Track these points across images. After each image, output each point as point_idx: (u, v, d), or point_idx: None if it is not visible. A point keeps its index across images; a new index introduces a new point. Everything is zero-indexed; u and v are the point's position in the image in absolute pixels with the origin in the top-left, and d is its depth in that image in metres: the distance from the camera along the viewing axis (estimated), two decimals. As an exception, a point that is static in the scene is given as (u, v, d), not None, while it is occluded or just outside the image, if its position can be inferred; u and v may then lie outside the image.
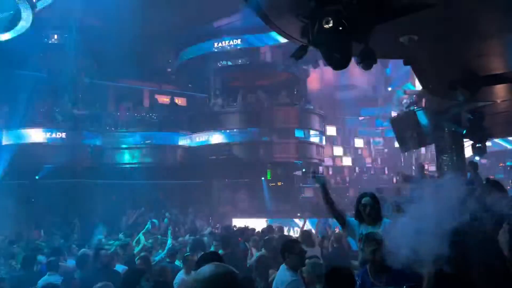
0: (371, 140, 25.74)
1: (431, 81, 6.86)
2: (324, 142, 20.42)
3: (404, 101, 13.30)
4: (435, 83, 6.86)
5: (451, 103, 7.71)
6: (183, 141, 18.67)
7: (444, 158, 8.91)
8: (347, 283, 3.04)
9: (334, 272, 3.17)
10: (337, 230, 8.29)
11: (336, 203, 4.64)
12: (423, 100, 9.29)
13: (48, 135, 16.48)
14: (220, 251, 6.65)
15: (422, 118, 9.03)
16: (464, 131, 8.19)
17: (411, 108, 10.12)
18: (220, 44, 19.69)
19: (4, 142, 16.04)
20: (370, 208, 4.25)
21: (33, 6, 13.67)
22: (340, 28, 3.50)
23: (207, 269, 1.83)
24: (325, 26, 3.54)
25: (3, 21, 15.17)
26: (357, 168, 24.69)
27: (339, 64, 3.73)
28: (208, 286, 1.76)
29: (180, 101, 21.79)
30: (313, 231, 9.02)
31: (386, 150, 25.34)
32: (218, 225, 14.02)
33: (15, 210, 12.67)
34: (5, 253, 7.96)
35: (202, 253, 6.29)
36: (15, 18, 14.81)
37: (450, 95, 6.72)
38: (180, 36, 19.81)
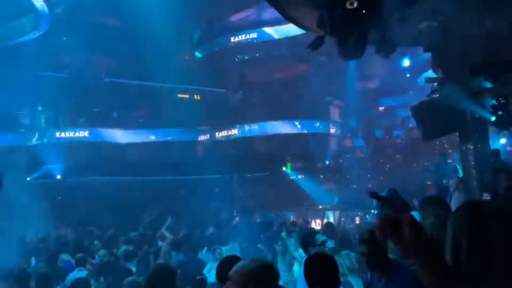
0: (392, 130, 25.36)
1: (452, 68, 6.72)
2: (343, 133, 20.26)
3: (425, 88, 13.06)
4: (457, 69, 6.72)
5: (474, 90, 7.54)
6: (203, 137, 18.81)
7: (468, 146, 8.71)
8: (328, 269, 2.88)
9: (315, 258, 3.08)
10: (357, 222, 8.25)
11: None
12: (445, 88, 9.09)
13: (71, 134, 16.84)
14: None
15: (444, 106, 8.84)
16: (493, 118, 7.96)
17: (432, 95, 9.92)
18: (236, 39, 19.67)
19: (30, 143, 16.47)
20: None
21: (51, 9, 13.93)
22: (364, 10, 3.45)
23: (248, 263, 2.11)
24: (349, 7, 3.50)
25: (24, 24, 15.53)
26: (378, 159, 24.37)
27: (354, 53, 3.70)
28: (252, 278, 2.02)
29: (199, 97, 21.92)
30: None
31: (407, 139, 24.93)
32: (237, 218, 14.11)
33: (43, 208, 12.97)
34: (36, 250, 8.20)
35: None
36: (34, 21, 15.15)
37: (472, 82, 6.58)
38: (197, 32, 19.91)
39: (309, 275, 2.86)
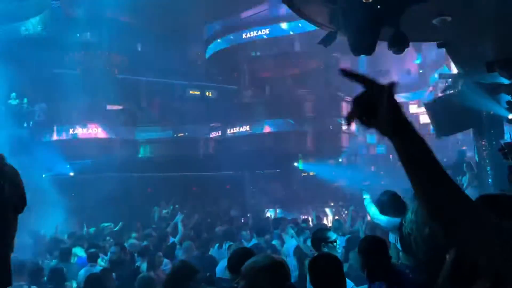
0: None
1: (467, 63, 6.61)
2: (356, 130, 20.10)
3: (439, 85, 12.91)
4: (472, 65, 6.61)
5: (489, 85, 7.41)
6: (215, 133, 18.85)
7: (483, 143, 8.60)
8: (332, 270, 2.80)
9: (319, 258, 3.02)
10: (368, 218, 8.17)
11: None
12: (459, 84, 8.97)
13: (84, 130, 17.01)
14: (254, 241, 6.72)
15: (459, 102, 8.72)
16: (509, 114, 7.82)
17: (447, 92, 9.79)
18: (248, 35, 19.62)
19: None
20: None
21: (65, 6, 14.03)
22: (378, 5, 3.42)
23: (261, 259, 2.13)
24: (364, 1, 3.47)
25: (37, 21, 15.69)
26: (391, 156, 24.15)
27: (366, 48, 3.65)
28: (263, 274, 2.03)
29: (210, 93, 21.95)
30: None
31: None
32: (249, 214, 14.12)
33: (56, 204, 13.12)
34: (50, 245, 8.31)
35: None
36: (47, 18, 15.29)
37: (488, 77, 6.46)
38: (209, 28, 19.93)
39: (312, 275, 2.83)
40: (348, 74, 1.13)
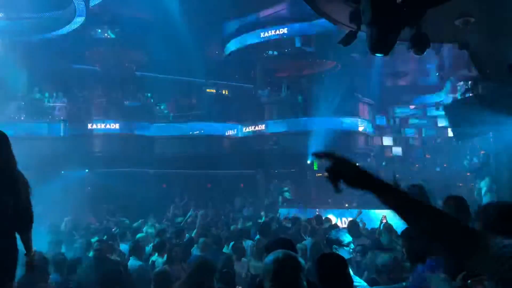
0: (423, 129, 24.81)
1: (488, 66, 6.51)
2: (373, 132, 19.97)
3: (459, 87, 12.72)
4: (493, 67, 6.50)
5: (511, 89, 7.28)
6: (231, 132, 18.92)
7: (502, 147, 8.46)
8: (338, 270, 2.83)
9: (325, 258, 3.01)
10: (384, 220, 8.12)
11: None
12: (479, 86, 8.84)
13: (102, 125, 17.24)
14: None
15: (478, 106, 8.59)
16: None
17: (466, 95, 9.66)
18: (266, 34, 19.62)
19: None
20: None
21: (86, 2, 14.27)
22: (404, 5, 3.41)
23: (274, 254, 2.24)
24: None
25: (60, 18, 15.98)
26: (408, 158, 23.93)
27: (385, 48, 3.65)
28: (277, 267, 2.14)
29: (227, 92, 22.03)
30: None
31: (438, 139, 24.36)
32: (262, 212, 14.13)
33: (73, 198, 13.34)
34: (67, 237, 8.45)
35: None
36: (70, 14, 15.56)
37: (509, 80, 6.35)
38: (227, 27, 19.99)
39: (318, 275, 2.85)
40: (319, 156, 1.51)
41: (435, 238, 1.27)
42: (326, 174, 1.44)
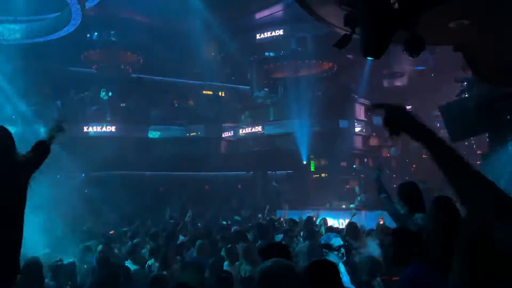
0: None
1: (484, 68, 6.51)
2: (369, 132, 20.00)
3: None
4: (488, 69, 6.51)
5: (506, 90, 7.31)
6: (227, 133, 18.91)
7: (498, 147, 8.48)
8: (330, 277, 2.81)
9: (316, 265, 2.98)
10: (381, 221, 8.12)
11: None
12: (475, 87, 8.86)
13: (98, 128, 17.19)
14: (259, 242, 6.71)
15: (474, 106, 8.62)
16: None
17: (462, 95, 9.68)
18: (262, 36, 19.64)
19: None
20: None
21: (82, 5, 14.23)
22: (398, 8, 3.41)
23: (270, 262, 2.20)
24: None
25: (54, 21, 15.93)
26: (405, 159, 23.98)
27: (377, 52, 3.65)
28: (271, 276, 2.12)
29: (223, 93, 22.02)
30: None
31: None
32: (260, 215, 14.10)
33: (71, 201, 13.27)
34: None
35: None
36: (65, 17, 15.52)
37: (505, 82, 6.36)
38: (223, 29, 19.98)
39: (309, 282, 2.84)
40: (373, 107, 1.52)
41: (474, 201, 1.28)
42: (383, 124, 1.45)
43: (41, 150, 3.52)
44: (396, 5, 3.40)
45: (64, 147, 16.12)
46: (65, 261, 5.73)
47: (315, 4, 4.46)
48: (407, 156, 24.15)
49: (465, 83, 9.65)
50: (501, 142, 8.40)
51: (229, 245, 6.09)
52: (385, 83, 22.76)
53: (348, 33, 4.29)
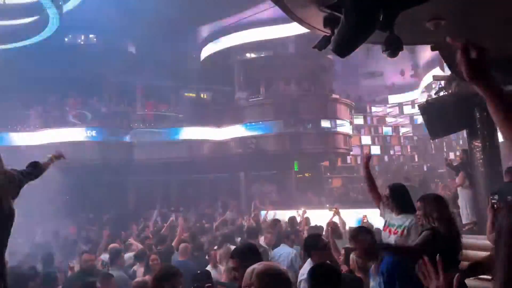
0: (400, 128, 25.25)
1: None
2: (351, 131, 20.19)
3: (433, 86, 12.96)
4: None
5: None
6: (210, 136, 18.81)
7: (476, 144, 8.67)
8: (332, 279, 2.84)
9: (318, 268, 3.04)
10: (365, 220, 8.20)
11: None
12: (453, 85, 9.05)
13: (79, 133, 16.93)
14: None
15: (452, 104, 8.80)
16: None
17: (440, 93, 9.87)
18: (244, 37, 19.60)
19: (38, 142, 16.53)
20: (387, 199, 4.31)
21: (60, 9, 14.01)
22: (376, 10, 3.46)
23: (259, 266, 2.14)
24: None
25: (31, 26, 15.65)
26: (386, 157, 24.30)
27: (345, 52, 3.75)
28: (262, 280, 2.05)
29: (205, 95, 21.92)
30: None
31: (415, 137, 24.82)
32: (245, 217, 14.08)
33: (52, 207, 13.06)
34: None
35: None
36: (43, 21, 15.27)
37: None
38: (203, 30, 19.92)
39: (312, 285, 2.86)
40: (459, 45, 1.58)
41: None
42: (465, 63, 1.51)
43: (34, 169, 3.59)
44: (381, 17, 3.46)
45: (45, 152, 15.90)
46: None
47: (294, 6, 4.49)
48: (388, 154, 24.48)
49: (443, 81, 9.85)
50: (477, 138, 8.60)
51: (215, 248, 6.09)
52: (365, 82, 23.04)
53: (328, 34, 4.34)
